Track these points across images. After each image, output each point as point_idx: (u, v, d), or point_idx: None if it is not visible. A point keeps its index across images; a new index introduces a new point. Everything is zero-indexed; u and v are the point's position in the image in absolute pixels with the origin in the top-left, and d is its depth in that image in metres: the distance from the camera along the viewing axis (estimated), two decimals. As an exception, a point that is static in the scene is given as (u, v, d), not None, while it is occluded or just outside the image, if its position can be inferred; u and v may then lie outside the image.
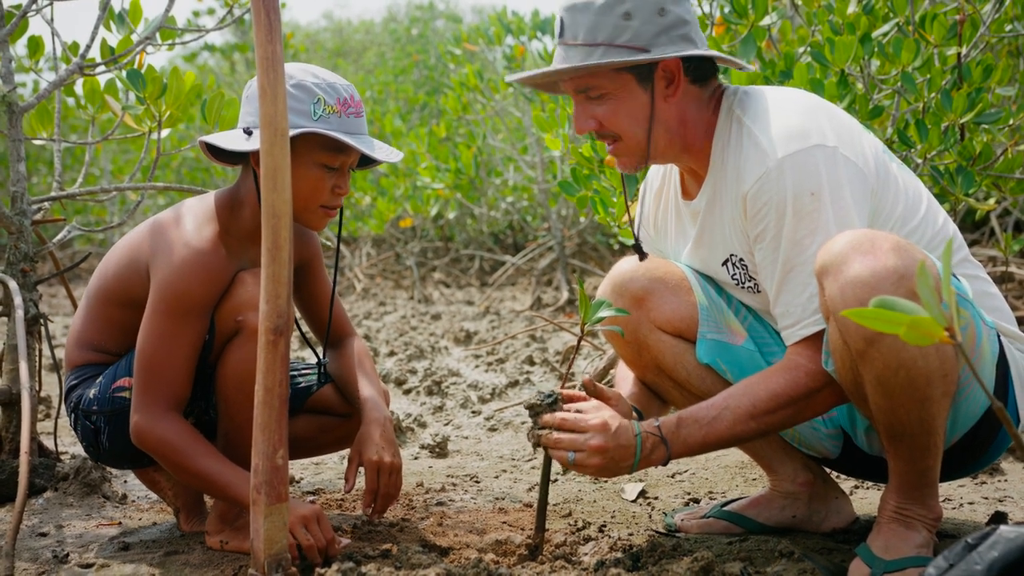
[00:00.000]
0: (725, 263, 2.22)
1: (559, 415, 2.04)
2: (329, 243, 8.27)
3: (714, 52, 2.11)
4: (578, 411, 2.05)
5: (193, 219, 2.26)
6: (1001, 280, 4.68)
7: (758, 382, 2.04)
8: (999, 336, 2.04)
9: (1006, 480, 2.83)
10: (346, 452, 3.28)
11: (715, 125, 2.14)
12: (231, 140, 2.21)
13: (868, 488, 2.79)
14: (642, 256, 2.31)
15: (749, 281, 2.20)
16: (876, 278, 1.80)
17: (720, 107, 2.15)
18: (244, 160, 2.29)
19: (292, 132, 2.12)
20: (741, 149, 2.07)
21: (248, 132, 2.19)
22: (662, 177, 2.38)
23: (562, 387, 2.15)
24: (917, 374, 1.82)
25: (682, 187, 2.29)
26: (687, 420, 2.04)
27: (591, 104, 2.11)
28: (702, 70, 2.12)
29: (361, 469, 2.38)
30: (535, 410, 2.07)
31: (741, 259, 2.18)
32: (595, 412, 2.04)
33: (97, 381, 2.34)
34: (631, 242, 2.62)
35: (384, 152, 2.26)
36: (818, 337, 2.01)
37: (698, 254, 2.29)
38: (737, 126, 2.10)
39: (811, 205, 1.97)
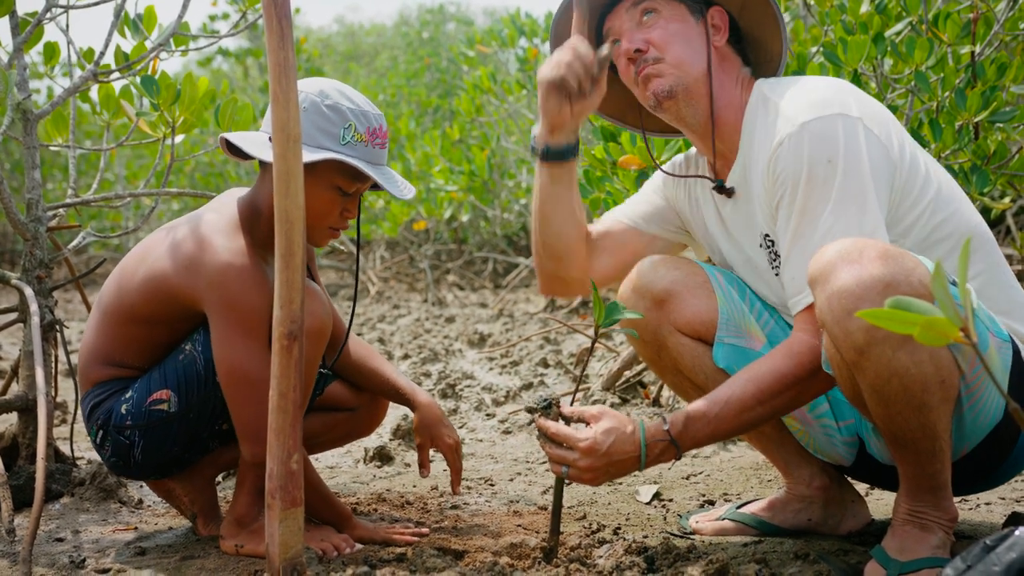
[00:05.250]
0: (761, 246, 2.20)
1: (552, 427, 2.04)
2: (343, 248, 8.30)
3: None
4: (579, 418, 2.06)
5: (223, 235, 2.24)
6: (1018, 278, 4.65)
7: (762, 365, 2.03)
8: (1014, 342, 2.01)
9: (1023, 481, 2.82)
10: (356, 451, 3.29)
11: (745, 107, 2.17)
12: (258, 146, 2.22)
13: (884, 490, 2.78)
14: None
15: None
16: (861, 287, 1.76)
17: (752, 93, 2.18)
18: (264, 162, 2.29)
19: (319, 156, 2.15)
20: (767, 121, 2.08)
21: None
22: (685, 167, 2.39)
23: (575, 390, 2.15)
24: (911, 381, 1.79)
25: (714, 172, 2.28)
26: (694, 416, 2.03)
27: (644, 28, 2.18)
28: (741, 44, 2.24)
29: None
30: (532, 413, 2.08)
31: (772, 240, 2.16)
32: (588, 430, 2.02)
33: (126, 396, 2.32)
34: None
35: (401, 188, 2.27)
36: None
37: (733, 241, 2.28)
38: (763, 103, 2.12)
39: (825, 172, 1.95)
